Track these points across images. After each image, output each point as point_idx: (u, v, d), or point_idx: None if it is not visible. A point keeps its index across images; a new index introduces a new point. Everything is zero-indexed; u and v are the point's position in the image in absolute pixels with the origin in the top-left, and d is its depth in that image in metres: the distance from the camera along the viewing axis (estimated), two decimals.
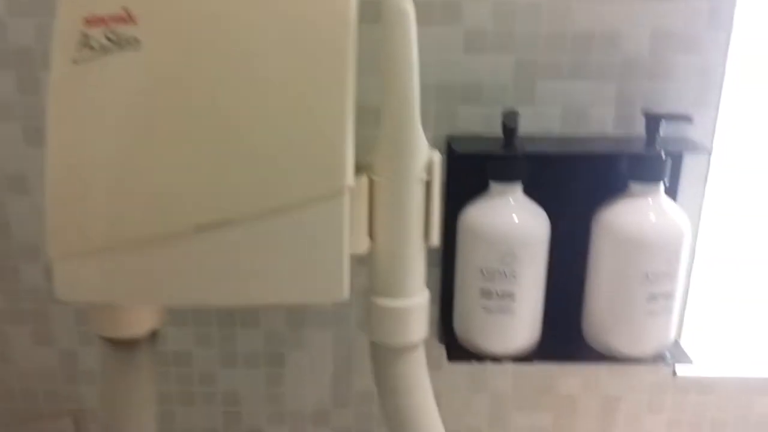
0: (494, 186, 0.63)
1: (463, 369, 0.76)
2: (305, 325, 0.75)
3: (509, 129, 0.61)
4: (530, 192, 0.63)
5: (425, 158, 0.52)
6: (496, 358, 0.65)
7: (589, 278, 0.66)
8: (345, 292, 0.49)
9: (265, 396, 0.78)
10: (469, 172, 0.65)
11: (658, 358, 0.65)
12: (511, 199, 0.62)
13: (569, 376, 0.76)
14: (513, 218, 0.62)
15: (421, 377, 0.58)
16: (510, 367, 0.76)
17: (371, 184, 0.52)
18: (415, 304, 0.55)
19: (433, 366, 0.58)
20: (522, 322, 0.64)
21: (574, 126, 0.67)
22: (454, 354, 0.66)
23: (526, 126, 0.65)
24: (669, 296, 0.63)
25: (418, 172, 0.52)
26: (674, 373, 0.76)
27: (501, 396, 0.77)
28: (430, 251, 0.54)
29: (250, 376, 0.77)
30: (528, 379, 0.77)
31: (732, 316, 0.74)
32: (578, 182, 0.67)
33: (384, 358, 0.56)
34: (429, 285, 0.55)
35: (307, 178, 0.47)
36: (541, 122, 0.67)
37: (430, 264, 0.55)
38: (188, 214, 0.47)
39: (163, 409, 0.78)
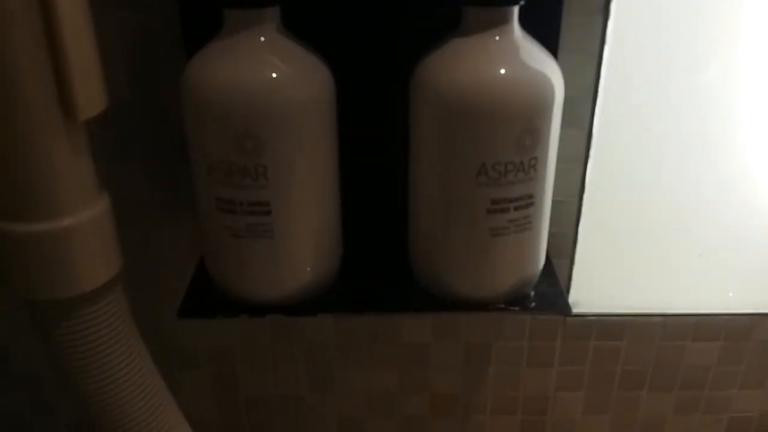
0: (229, 16, 0.36)
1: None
2: None
3: None
4: (300, 28, 0.37)
5: None
6: (256, 310, 0.40)
7: (411, 176, 0.40)
8: None
9: None
10: None
11: (514, 303, 0.40)
12: (261, 38, 0.36)
13: (415, 318, 0.52)
14: (256, 72, 0.35)
15: (111, 346, 0.37)
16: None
17: None
18: (65, 227, 0.33)
19: None
20: (290, 250, 0.39)
21: None
22: (189, 305, 0.41)
23: None
24: (527, 203, 0.37)
25: None
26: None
27: (320, 348, 0.53)
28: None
29: None
30: (357, 325, 0.53)
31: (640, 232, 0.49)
32: (386, 11, 0.40)
33: (42, 320, 0.35)
34: None
35: None
36: None
37: None
38: None
39: None
